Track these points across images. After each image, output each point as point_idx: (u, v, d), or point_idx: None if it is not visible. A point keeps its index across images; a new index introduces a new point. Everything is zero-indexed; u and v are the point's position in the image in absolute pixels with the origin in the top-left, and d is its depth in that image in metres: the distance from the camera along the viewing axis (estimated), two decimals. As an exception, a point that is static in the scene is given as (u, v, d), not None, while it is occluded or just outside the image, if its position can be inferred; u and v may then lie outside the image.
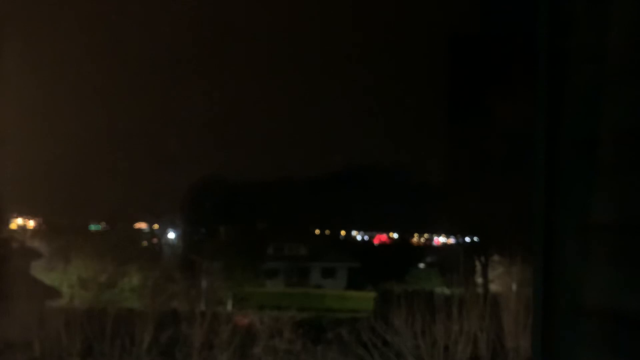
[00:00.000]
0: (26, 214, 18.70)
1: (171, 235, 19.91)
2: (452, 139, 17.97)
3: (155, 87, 17.98)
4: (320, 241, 22.14)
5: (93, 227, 19.64)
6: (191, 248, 18.39)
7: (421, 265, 21.05)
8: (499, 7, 17.47)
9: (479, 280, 17.10)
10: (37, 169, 16.16)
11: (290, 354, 14.93)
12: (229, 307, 16.63)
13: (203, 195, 18.81)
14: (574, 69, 2.08)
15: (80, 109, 17.37)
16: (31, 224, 18.95)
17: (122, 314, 14.76)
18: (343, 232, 23.52)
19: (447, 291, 15.75)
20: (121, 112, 18.00)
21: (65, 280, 16.09)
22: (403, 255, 21.34)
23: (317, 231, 22.87)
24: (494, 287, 16.66)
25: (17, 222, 18.48)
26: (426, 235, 22.55)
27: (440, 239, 22.24)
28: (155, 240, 19.99)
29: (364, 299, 18.16)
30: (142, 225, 19.95)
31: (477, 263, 17.52)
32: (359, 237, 23.64)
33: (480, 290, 16.04)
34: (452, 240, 21.19)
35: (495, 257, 17.52)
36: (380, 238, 23.43)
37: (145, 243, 19.81)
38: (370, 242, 23.53)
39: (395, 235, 23.34)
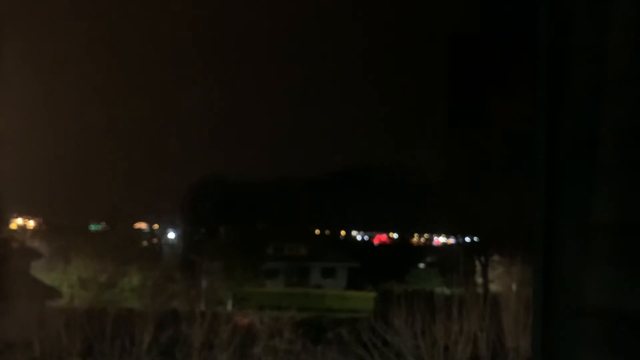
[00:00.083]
0: (26, 214, 18.71)
1: (171, 235, 19.91)
2: (452, 139, 17.98)
3: (156, 87, 18.00)
4: (320, 241, 22.15)
5: (93, 227, 19.65)
6: (191, 248, 18.39)
7: (421, 265, 21.05)
8: (499, 7, 17.48)
9: (479, 280, 17.10)
10: (37, 169, 16.17)
11: (290, 354, 14.93)
12: (229, 307, 16.63)
13: (203, 195, 18.82)
14: (574, 69, 2.08)
15: (80, 108, 17.38)
16: (31, 224, 18.95)
17: (122, 314, 14.76)
18: (343, 232, 23.53)
19: (447, 291, 15.75)
20: (121, 112, 18.01)
21: (65, 280, 16.09)
22: (403, 255, 21.35)
23: (317, 231, 22.88)
24: (494, 287, 16.66)
25: (17, 222, 18.48)
26: (426, 235, 22.56)
27: (440, 239, 22.25)
28: (155, 240, 19.99)
29: (364, 299, 18.17)
30: (142, 225, 19.95)
31: (477, 263, 17.53)
32: (359, 237, 23.65)
33: (480, 290, 16.04)
34: (452, 240, 21.20)
35: (495, 257, 17.52)
36: (380, 238, 23.43)
37: (145, 243, 19.81)
38: (370, 242, 23.54)
39: (395, 235, 23.34)
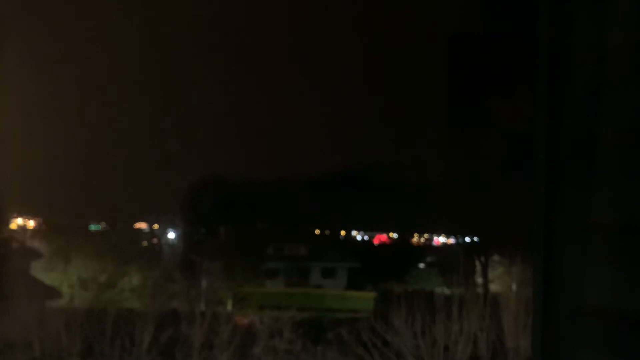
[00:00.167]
0: (26, 214, 18.70)
1: (171, 235, 19.91)
2: (452, 138, 17.98)
3: (156, 87, 17.99)
4: (320, 241, 22.14)
5: (93, 227, 19.64)
6: (191, 248, 18.38)
7: (421, 265, 21.05)
8: (499, 7, 17.48)
9: (479, 280, 17.11)
10: (37, 169, 16.17)
11: (290, 354, 14.93)
12: (229, 307, 16.63)
13: (203, 195, 18.82)
14: (574, 69, 2.08)
15: (80, 108, 17.37)
16: (31, 224, 18.95)
17: (122, 314, 14.76)
18: (343, 232, 23.52)
19: (447, 291, 15.75)
20: (121, 112, 18.01)
21: (65, 280, 16.09)
22: (403, 255, 21.34)
23: (317, 231, 22.87)
24: (494, 287, 16.66)
25: (17, 222, 18.48)
26: (426, 235, 22.55)
27: (440, 239, 22.24)
28: (155, 240, 19.98)
29: (364, 299, 18.16)
30: (142, 225, 19.95)
31: (477, 263, 17.53)
32: (359, 237, 23.64)
33: (480, 290, 16.04)
34: (452, 240, 21.20)
35: (495, 257, 17.52)
36: (380, 238, 23.42)
37: (145, 243, 19.80)
38: (370, 242, 23.53)
39: (395, 235, 23.34)
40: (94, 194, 18.19)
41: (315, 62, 18.79)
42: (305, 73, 18.86)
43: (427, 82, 18.07)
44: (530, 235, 2.18)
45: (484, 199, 15.99)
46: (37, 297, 15.21)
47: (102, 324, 14.42)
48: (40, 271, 16.48)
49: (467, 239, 19.71)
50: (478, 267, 17.45)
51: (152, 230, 20.00)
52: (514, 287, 15.43)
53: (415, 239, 22.99)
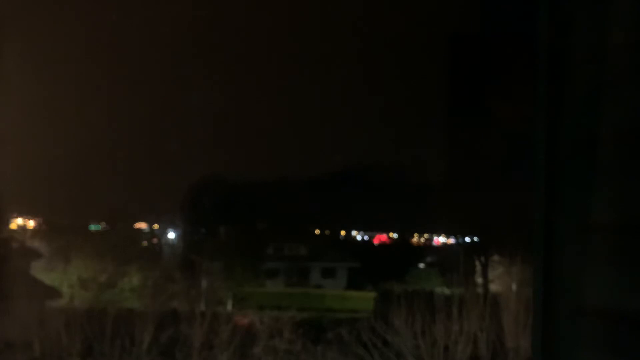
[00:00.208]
0: (26, 214, 18.70)
1: (171, 235, 19.91)
2: (452, 138, 17.98)
3: (156, 87, 17.99)
4: (320, 241, 22.13)
5: (93, 227, 19.64)
6: (191, 248, 18.38)
7: (421, 265, 21.04)
8: (499, 7, 17.47)
9: (479, 280, 17.10)
10: (37, 169, 16.17)
11: (290, 354, 14.93)
12: (229, 307, 16.63)
13: (203, 195, 18.82)
14: (574, 69, 2.08)
15: (80, 108, 17.37)
16: (31, 224, 18.94)
17: (122, 314, 14.76)
18: (343, 232, 23.51)
19: (447, 291, 15.75)
20: (121, 112, 18.00)
21: (65, 280, 16.09)
22: (403, 255, 21.33)
23: (317, 231, 22.87)
24: (494, 287, 16.66)
25: (17, 222, 18.48)
26: (426, 235, 22.55)
27: (440, 239, 22.24)
28: (155, 240, 19.98)
29: (364, 299, 18.16)
30: (142, 225, 19.94)
31: (477, 263, 17.53)
32: (359, 237, 23.63)
33: (480, 290, 16.04)
34: (452, 240, 21.20)
35: (495, 257, 17.52)
36: (380, 238, 23.42)
37: (145, 243, 19.80)
38: (370, 242, 23.52)
39: (395, 235, 23.33)
40: (94, 194, 18.19)
41: (315, 62, 18.79)
42: (305, 73, 18.87)
43: (427, 82, 18.07)
44: (530, 235, 2.18)
45: (484, 199, 15.99)
46: (37, 297, 15.21)
47: (102, 324, 14.42)
48: (40, 271, 16.48)
49: (467, 239, 19.71)
50: (478, 267, 17.45)
51: (152, 230, 20.00)
52: (514, 287, 15.43)
53: (415, 239, 22.98)
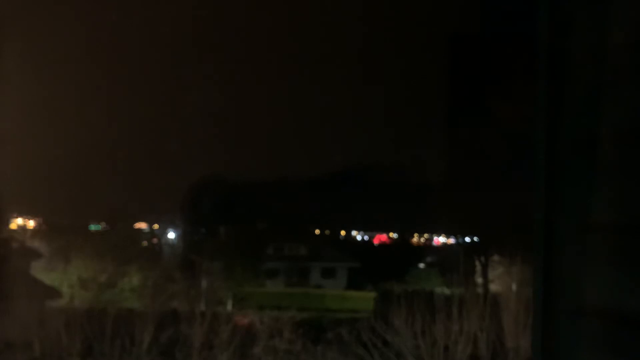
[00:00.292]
0: (26, 214, 18.71)
1: (171, 235, 19.91)
2: (452, 138, 17.97)
3: (156, 87, 17.99)
4: (320, 241, 22.14)
5: (93, 227, 19.65)
6: (191, 248, 18.38)
7: (421, 265, 21.05)
8: (499, 7, 17.47)
9: (479, 280, 17.11)
10: (37, 169, 16.17)
11: (290, 354, 14.93)
12: (229, 307, 16.63)
13: (203, 195, 18.82)
14: (574, 69, 2.08)
15: (80, 108, 17.38)
16: (31, 224, 18.95)
17: (122, 314, 14.76)
18: (343, 232, 23.52)
19: (447, 291, 15.75)
20: (121, 112, 18.01)
21: (65, 280, 16.10)
22: (403, 255, 21.34)
23: (317, 231, 22.88)
24: (494, 287, 16.66)
25: (17, 222, 18.48)
26: (426, 235, 22.55)
27: (440, 239, 22.25)
28: (155, 240, 19.99)
29: (364, 299, 18.17)
30: (142, 225, 19.95)
31: (477, 263, 17.53)
32: (359, 237, 23.64)
33: (480, 290, 16.04)
34: (452, 240, 21.20)
35: (495, 257, 17.52)
36: (380, 238, 23.43)
37: (145, 243, 19.81)
38: (370, 242, 23.53)
39: (395, 235, 23.34)
40: (94, 194, 18.19)
41: (315, 62, 18.79)
42: (305, 73, 18.87)
43: (427, 82, 18.07)
44: (530, 235, 2.18)
45: (484, 199, 15.99)
46: (37, 297, 15.22)
47: (102, 324, 14.42)
48: (40, 271, 16.48)
49: (467, 239, 19.71)
50: (478, 267, 17.45)
51: (152, 230, 20.00)
52: (514, 287, 15.43)
53: (415, 239, 22.99)
